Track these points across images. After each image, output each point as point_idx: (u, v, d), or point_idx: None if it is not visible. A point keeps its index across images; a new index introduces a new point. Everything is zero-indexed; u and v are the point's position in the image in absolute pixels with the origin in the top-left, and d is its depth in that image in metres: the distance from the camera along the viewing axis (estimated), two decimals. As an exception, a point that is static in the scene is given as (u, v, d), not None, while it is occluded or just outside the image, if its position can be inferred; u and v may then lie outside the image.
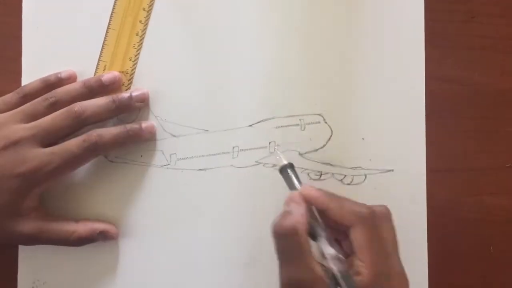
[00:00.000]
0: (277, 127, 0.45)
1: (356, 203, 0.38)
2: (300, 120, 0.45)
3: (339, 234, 0.38)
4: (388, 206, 0.38)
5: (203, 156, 0.45)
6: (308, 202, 0.37)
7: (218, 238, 0.45)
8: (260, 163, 0.45)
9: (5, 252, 0.45)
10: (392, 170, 0.45)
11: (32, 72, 0.45)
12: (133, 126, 0.44)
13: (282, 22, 0.45)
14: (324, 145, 0.45)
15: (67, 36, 0.45)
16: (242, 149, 0.45)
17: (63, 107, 0.42)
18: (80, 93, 0.43)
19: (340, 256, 0.36)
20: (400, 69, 0.46)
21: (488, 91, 0.47)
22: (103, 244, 0.45)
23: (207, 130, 0.45)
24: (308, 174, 0.45)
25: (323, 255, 0.36)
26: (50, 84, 0.44)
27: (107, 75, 0.44)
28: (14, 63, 0.45)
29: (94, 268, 0.45)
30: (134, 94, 0.44)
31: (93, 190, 0.45)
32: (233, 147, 0.45)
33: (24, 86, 0.44)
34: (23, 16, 0.45)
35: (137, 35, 0.45)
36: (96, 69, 0.45)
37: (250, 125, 0.45)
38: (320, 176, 0.45)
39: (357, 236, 0.36)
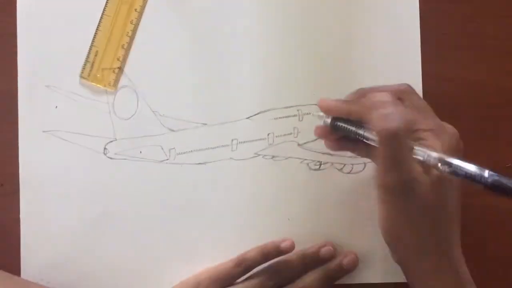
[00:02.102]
0: (275, 118, 0.45)
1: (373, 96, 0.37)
2: (298, 110, 0.45)
3: None
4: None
5: (202, 149, 0.45)
6: (329, 112, 0.38)
7: (219, 232, 0.45)
8: (260, 154, 0.45)
9: (8, 253, 0.45)
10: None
11: (28, 71, 0.45)
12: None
13: (278, 14, 0.46)
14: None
15: (62, 34, 0.45)
16: (241, 142, 0.45)
17: None
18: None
19: None
20: (397, 68, 0.46)
21: (488, 91, 0.47)
22: (106, 243, 0.45)
23: (205, 124, 0.45)
24: (307, 164, 0.45)
25: None
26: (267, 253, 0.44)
27: (325, 249, 0.44)
28: (10, 61, 0.45)
29: (97, 267, 0.45)
30: (345, 261, 0.44)
31: (93, 186, 0.45)
32: (232, 140, 0.45)
33: (245, 254, 0.44)
34: (17, 14, 0.45)
35: (131, 23, 0.45)
36: (87, 55, 0.45)
37: (248, 117, 0.45)
38: (320, 166, 0.45)
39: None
